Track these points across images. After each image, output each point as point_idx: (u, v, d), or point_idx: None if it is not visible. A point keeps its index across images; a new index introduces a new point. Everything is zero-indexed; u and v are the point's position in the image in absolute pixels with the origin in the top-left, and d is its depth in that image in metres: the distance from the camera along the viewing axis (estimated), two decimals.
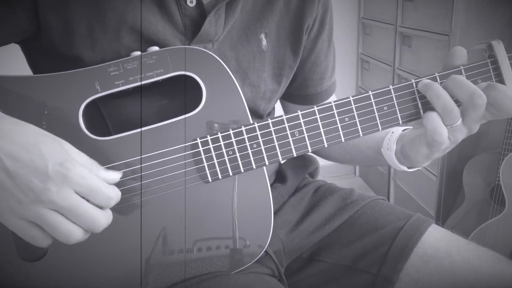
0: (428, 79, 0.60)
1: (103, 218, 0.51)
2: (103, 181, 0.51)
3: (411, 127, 0.70)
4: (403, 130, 0.70)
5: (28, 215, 0.48)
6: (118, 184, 0.55)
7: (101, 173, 0.52)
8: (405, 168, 0.71)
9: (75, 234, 0.50)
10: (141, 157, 0.59)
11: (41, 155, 0.47)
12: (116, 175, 0.54)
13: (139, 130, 0.59)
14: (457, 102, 0.59)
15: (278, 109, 0.84)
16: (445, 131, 0.59)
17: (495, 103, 0.58)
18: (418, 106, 0.61)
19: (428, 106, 0.61)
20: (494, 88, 0.58)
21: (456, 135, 0.60)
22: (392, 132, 0.71)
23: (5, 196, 0.47)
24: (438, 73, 0.61)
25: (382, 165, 0.75)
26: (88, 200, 0.50)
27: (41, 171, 0.47)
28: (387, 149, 0.70)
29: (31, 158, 0.47)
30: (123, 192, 0.58)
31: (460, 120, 0.59)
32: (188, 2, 0.63)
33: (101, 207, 0.51)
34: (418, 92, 0.61)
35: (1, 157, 0.47)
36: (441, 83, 0.60)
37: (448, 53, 0.63)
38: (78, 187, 0.48)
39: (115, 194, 0.51)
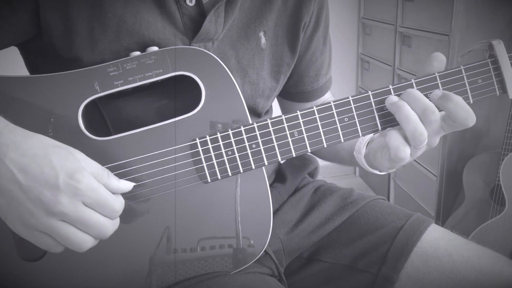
0: (428, 78, 0.60)
1: (111, 227, 0.53)
2: (110, 193, 0.52)
3: (377, 135, 0.69)
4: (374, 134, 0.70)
5: (40, 227, 0.49)
6: None
7: (113, 182, 0.53)
8: (377, 171, 0.71)
9: (87, 243, 0.52)
10: (141, 157, 0.59)
11: (52, 167, 0.48)
12: (128, 185, 0.56)
13: (138, 130, 0.59)
14: None
15: (276, 108, 0.84)
16: (408, 149, 0.58)
17: (450, 114, 0.57)
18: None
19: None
20: (448, 99, 0.57)
21: (417, 152, 0.60)
22: (363, 137, 0.70)
23: (17, 208, 0.48)
24: (438, 73, 0.61)
25: (357, 166, 0.75)
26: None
27: (52, 184, 0.48)
28: (358, 152, 0.71)
29: (42, 171, 0.48)
30: (124, 193, 0.58)
31: (426, 141, 0.58)
32: (187, 1, 0.63)
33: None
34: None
35: (13, 171, 0.48)
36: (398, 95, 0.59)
37: (428, 59, 0.61)
38: (87, 199, 0.50)
39: (120, 207, 0.53)
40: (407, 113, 0.57)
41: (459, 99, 0.57)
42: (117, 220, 0.54)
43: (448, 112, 0.57)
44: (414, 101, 0.58)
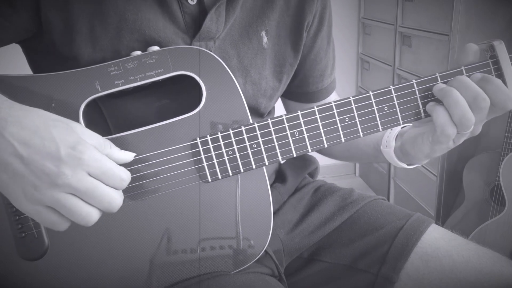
0: (429, 78, 0.60)
1: (119, 198, 0.52)
2: (115, 163, 0.51)
3: (410, 124, 0.70)
4: (402, 127, 0.70)
5: (45, 200, 0.48)
6: None
7: (115, 152, 0.53)
8: (404, 165, 0.71)
9: (93, 215, 0.50)
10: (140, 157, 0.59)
11: (52, 139, 0.48)
12: (129, 155, 0.55)
13: (139, 129, 0.59)
14: None
15: (279, 109, 0.84)
16: (455, 129, 0.58)
17: (491, 97, 0.57)
18: (419, 107, 0.61)
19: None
20: (489, 81, 0.57)
21: (460, 138, 0.60)
22: (391, 130, 0.70)
23: (21, 182, 0.48)
24: (439, 73, 0.61)
25: (381, 162, 0.75)
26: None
27: (54, 155, 0.47)
28: (386, 146, 0.70)
29: (43, 143, 0.47)
30: (124, 191, 0.58)
31: (472, 128, 0.58)
32: (189, 0, 0.63)
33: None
34: (419, 92, 0.61)
35: (14, 144, 0.47)
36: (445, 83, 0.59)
37: (461, 50, 0.62)
38: (92, 169, 0.49)
39: (127, 176, 0.52)
40: (456, 97, 0.57)
41: (498, 81, 0.57)
42: (122, 194, 0.53)
43: (488, 96, 0.57)
44: (465, 88, 0.57)
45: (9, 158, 0.47)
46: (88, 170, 0.49)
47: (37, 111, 0.50)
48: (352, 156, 0.84)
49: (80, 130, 0.50)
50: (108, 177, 0.50)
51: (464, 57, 0.61)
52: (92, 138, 0.51)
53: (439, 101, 0.59)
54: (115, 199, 0.51)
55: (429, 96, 0.60)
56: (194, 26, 0.64)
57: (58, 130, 0.48)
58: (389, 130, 0.71)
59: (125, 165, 0.58)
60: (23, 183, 0.48)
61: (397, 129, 0.70)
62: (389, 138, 0.70)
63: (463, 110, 0.57)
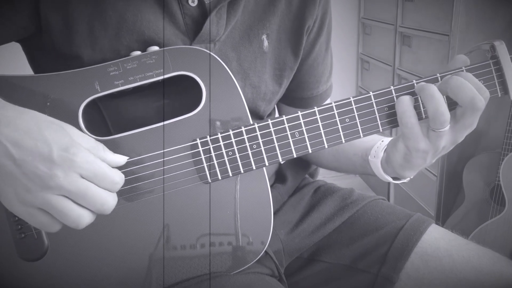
0: (429, 79, 0.60)
1: (112, 200, 0.51)
2: (108, 166, 0.51)
3: None
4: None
5: (37, 202, 0.48)
6: None
7: (108, 155, 0.53)
8: (390, 179, 0.70)
9: (85, 218, 0.50)
10: (140, 157, 0.59)
11: (45, 141, 0.47)
12: (122, 158, 0.55)
13: (139, 130, 0.59)
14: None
15: None
16: (414, 114, 0.57)
17: (453, 94, 0.56)
18: (420, 107, 0.61)
19: None
20: (447, 81, 0.57)
21: (439, 141, 0.59)
22: (382, 141, 0.70)
23: (13, 184, 0.47)
24: (439, 73, 0.60)
25: (367, 173, 0.74)
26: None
27: (46, 157, 0.47)
28: (374, 156, 0.70)
29: (36, 144, 0.47)
30: (124, 192, 0.58)
31: (448, 127, 0.58)
32: (189, 2, 0.63)
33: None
34: None
35: (6, 145, 0.47)
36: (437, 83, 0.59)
37: (451, 60, 0.61)
38: (84, 172, 0.49)
39: (120, 178, 0.52)
40: (432, 91, 0.56)
41: (460, 79, 0.56)
42: (116, 196, 0.52)
43: (452, 94, 0.56)
44: (464, 87, 0.56)
45: (1, 159, 0.47)
46: (81, 172, 0.48)
47: (30, 112, 0.49)
48: (340, 166, 0.83)
49: (73, 132, 0.50)
50: (101, 179, 0.50)
51: (453, 66, 0.61)
52: (85, 140, 0.51)
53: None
54: (108, 201, 0.51)
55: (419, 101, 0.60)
56: (194, 28, 0.64)
57: (51, 131, 0.48)
58: (380, 141, 0.70)
59: (125, 165, 0.58)
60: (15, 185, 0.47)
61: (387, 140, 0.69)
62: (378, 149, 0.69)
63: (437, 104, 0.56)
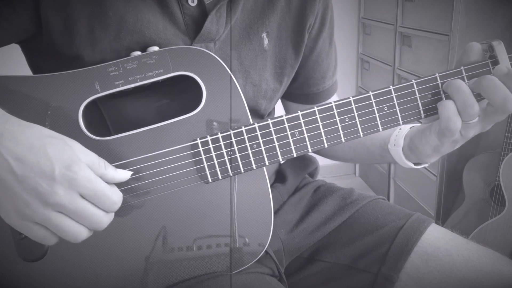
0: (429, 79, 0.60)
1: (107, 220, 0.52)
2: (108, 186, 0.51)
3: (418, 124, 0.69)
4: (411, 127, 0.70)
5: (35, 218, 0.48)
6: (118, 184, 0.55)
7: (109, 172, 0.53)
8: (412, 165, 0.70)
9: (82, 234, 0.51)
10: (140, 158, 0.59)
11: (48, 158, 0.48)
12: (125, 174, 0.55)
13: (139, 130, 0.59)
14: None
15: (278, 110, 0.84)
16: (459, 120, 0.58)
17: (487, 96, 0.57)
18: (419, 107, 0.61)
19: (429, 107, 0.61)
20: (482, 80, 0.57)
21: (468, 131, 0.60)
22: (400, 129, 0.70)
23: (12, 198, 0.48)
24: (438, 73, 0.61)
25: (386, 162, 0.75)
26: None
27: (48, 174, 0.47)
28: (394, 145, 0.70)
29: (38, 161, 0.47)
30: (124, 192, 0.58)
31: (477, 118, 0.58)
32: (189, 1, 0.63)
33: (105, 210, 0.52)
34: (419, 92, 0.61)
35: (9, 160, 0.47)
36: (468, 81, 0.59)
37: (464, 50, 0.61)
38: (84, 190, 0.49)
39: (118, 199, 0.53)
40: (458, 85, 0.57)
41: (494, 79, 0.57)
42: (112, 214, 0.53)
43: (485, 94, 0.57)
44: (497, 89, 0.56)
45: (3, 173, 0.47)
46: (81, 191, 0.49)
47: (34, 127, 0.50)
48: (358, 157, 0.83)
49: (75, 148, 0.50)
50: (100, 198, 0.50)
51: (466, 57, 0.61)
52: (87, 156, 0.51)
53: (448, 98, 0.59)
54: (103, 221, 0.52)
55: (428, 96, 0.60)
56: (194, 27, 0.64)
57: (54, 148, 0.48)
58: (397, 129, 0.71)
59: (125, 166, 0.58)
60: (15, 199, 0.48)
61: (407, 128, 0.70)
62: (398, 137, 0.70)
63: (465, 96, 0.57)
